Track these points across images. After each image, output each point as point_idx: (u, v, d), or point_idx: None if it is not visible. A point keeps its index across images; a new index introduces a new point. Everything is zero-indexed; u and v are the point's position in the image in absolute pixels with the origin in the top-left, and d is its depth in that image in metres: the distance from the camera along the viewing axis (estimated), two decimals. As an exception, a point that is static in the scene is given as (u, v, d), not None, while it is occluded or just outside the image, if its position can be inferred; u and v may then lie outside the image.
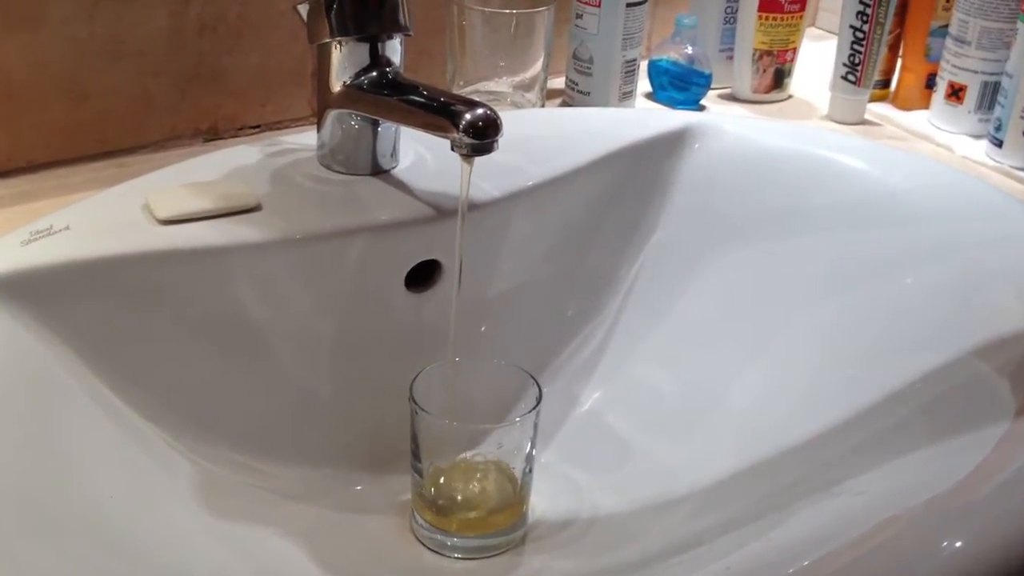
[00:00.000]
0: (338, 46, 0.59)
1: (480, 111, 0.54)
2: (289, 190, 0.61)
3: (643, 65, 0.84)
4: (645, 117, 0.76)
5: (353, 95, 0.60)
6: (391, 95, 0.59)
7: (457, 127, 0.54)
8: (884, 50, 0.82)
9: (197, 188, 0.58)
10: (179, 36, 0.68)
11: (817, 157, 0.71)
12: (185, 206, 0.57)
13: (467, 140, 0.54)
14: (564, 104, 0.83)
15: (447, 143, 0.55)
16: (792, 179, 0.70)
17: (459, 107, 0.54)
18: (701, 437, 0.64)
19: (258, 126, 0.73)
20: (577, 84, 0.81)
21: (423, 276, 0.63)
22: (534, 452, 0.58)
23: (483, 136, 0.54)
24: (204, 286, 0.56)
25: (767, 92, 0.86)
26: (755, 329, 0.67)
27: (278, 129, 0.74)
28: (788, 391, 0.63)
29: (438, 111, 0.55)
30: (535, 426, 0.57)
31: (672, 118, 0.74)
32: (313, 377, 0.61)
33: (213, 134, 0.72)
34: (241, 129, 0.73)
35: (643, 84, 0.84)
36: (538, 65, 0.78)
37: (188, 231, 0.56)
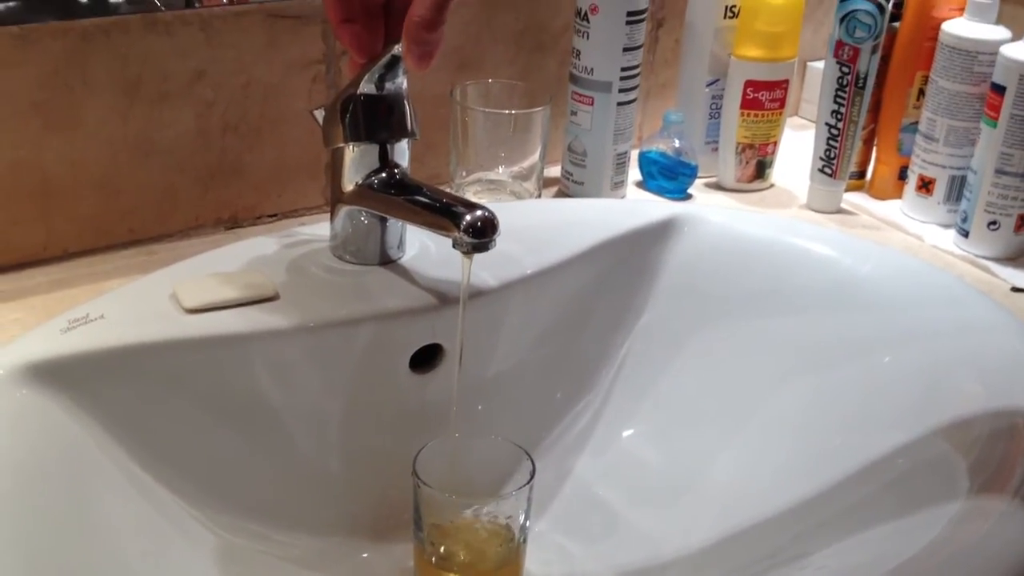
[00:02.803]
0: (351, 149, 0.63)
1: (479, 213, 0.57)
2: (304, 280, 0.64)
3: (634, 155, 0.88)
4: (635, 207, 0.80)
5: (364, 193, 0.64)
6: (398, 194, 0.63)
7: (458, 227, 0.57)
8: (859, 144, 0.86)
9: (220, 279, 0.62)
10: (204, 135, 0.73)
11: (794, 246, 0.75)
12: (210, 296, 0.61)
13: (467, 239, 0.57)
14: (560, 192, 0.86)
15: (450, 232, 0.58)
16: (771, 266, 0.74)
17: (460, 208, 0.58)
18: (685, 508, 0.67)
19: (275, 215, 0.77)
20: (572, 175, 0.85)
21: (426, 358, 0.65)
22: (528, 523, 0.60)
23: (482, 235, 0.57)
24: (226, 370, 0.60)
25: (750, 181, 0.89)
26: (736, 406, 0.70)
27: (293, 216, 0.78)
28: (766, 465, 0.66)
29: (441, 212, 0.59)
30: (529, 499, 0.59)
31: (660, 208, 0.77)
32: (323, 453, 0.64)
33: (233, 223, 0.76)
34: (259, 218, 0.77)
35: (634, 173, 0.88)
36: (535, 156, 0.82)
37: (213, 319, 0.59)
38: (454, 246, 0.58)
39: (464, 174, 0.82)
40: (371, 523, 0.65)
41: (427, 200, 0.61)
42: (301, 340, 0.62)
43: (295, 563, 0.62)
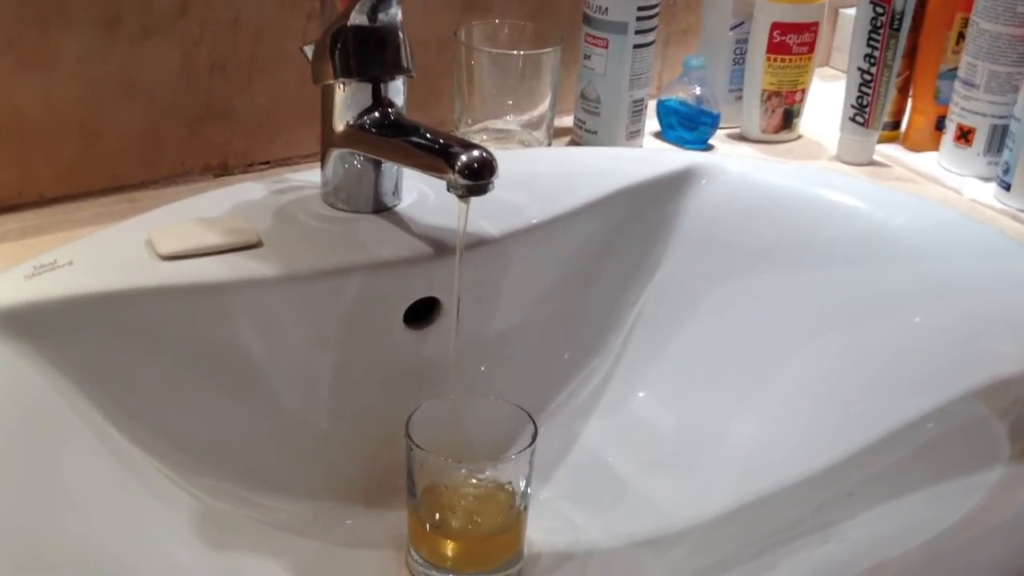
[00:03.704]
0: (341, 87, 0.60)
1: (476, 153, 0.54)
2: (291, 227, 0.62)
3: (652, 106, 0.84)
4: (650, 156, 0.77)
5: (355, 135, 0.61)
6: (392, 135, 0.60)
7: (453, 168, 0.54)
8: (893, 92, 0.82)
9: (199, 224, 0.59)
10: (189, 76, 0.69)
11: (821, 197, 0.71)
12: (186, 242, 0.57)
13: (462, 181, 0.54)
14: (572, 143, 0.83)
15: (450, 181, 0.55)
16: (796, 219, 0.70)
17: (455, 148, 0.55)
18: (699, 476, 0.64)
19: (267, 162, 0.74)
20: (585, 123, 0.82)
21: (423, 313, 0.63)
22: (530, 489, 0.58)
23: (478, 177, 0.54)
24: (204, 322, 0.57)
25: (776, 132, 0.86)
26: (755, 367, 0.67)
27: (288, 165, 0.74)
28: (786, 430, 0.63)
29: (435, 152, 0.56)
30: (530, 463, 0.57)
31: (677, 157, 0.74)
32: (312, 412, 0.61)
33: (223, 170, 0.73)
34: (251, 165, 0.74)
35: (653, 124, 0.84)
36: (545, 104, 0.78)
37: (189, 267, 0.57)
38: (448, 189, 0.55)
39: (470, 122, 0.78)
40: (362, 487, 0.62)
41: (421, 140, 0.58)
42: (286, 290, 0.59)
43: (280, 529, 0.59)
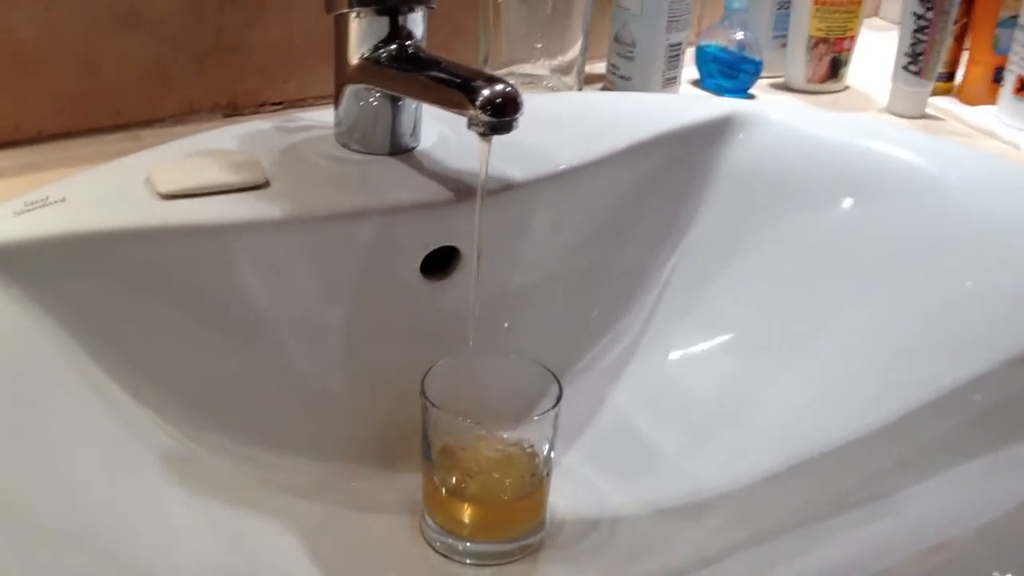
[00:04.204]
0: (356, 17, 0.56)
1: (499, 87, 0.51)
2: (301, 168, 0.58)
3: (691, 52, 0.81)
4: (687, 103, 0.73)
5: (370, 69, 0.57)
6: (409, 69, 0.56)
7: (474, 103, 0.50)
8: (949, 40, 0.78)
9: (202, 162, 0.56)
10: (198, 6, 0.66)
11: (870, 151, 0.66)
12: (188, 180, 0.54)
13: (484, 117, 0.50)
14: (604, 89, 0.80)
15: (474, 122, 0.52)
16: (842, 173, 0.66)
17: (478, 83, 0.51)
18: (734, 444, 0.61)
19: (281, 103, 0.71)
20: (618, 68, 0.78)
21: (441, 263, 0.60)
22: (553, 454, 0.55)
23: (501, 113, 0.50)
24: (206, 266, 0.54)
25: (822, 82, 0.82)
26: (796, 328, 0.63)
27: (302, 106, 0.71)
28: (828, 397, 0.59)
29: (455, 86, 0.52)
30: (554, 426, 0.54)
31: (716, 105, 0.70)
32: (320, 366, 0.58)
33: (233, 110, 0.69)
34: (262, 105, 0.70)
35: (690, 71, 0.82)
36: (576, 47, 0.75)
37: (189, 207, 0.53)
38: (469, 126, 0.52)
39: (495, 66, 0.75)
40: (375, 448, 0.60)
41: (441, 74, 0.54)
42: (294, 234, 0.55)
43: (287, 491, 0.56)
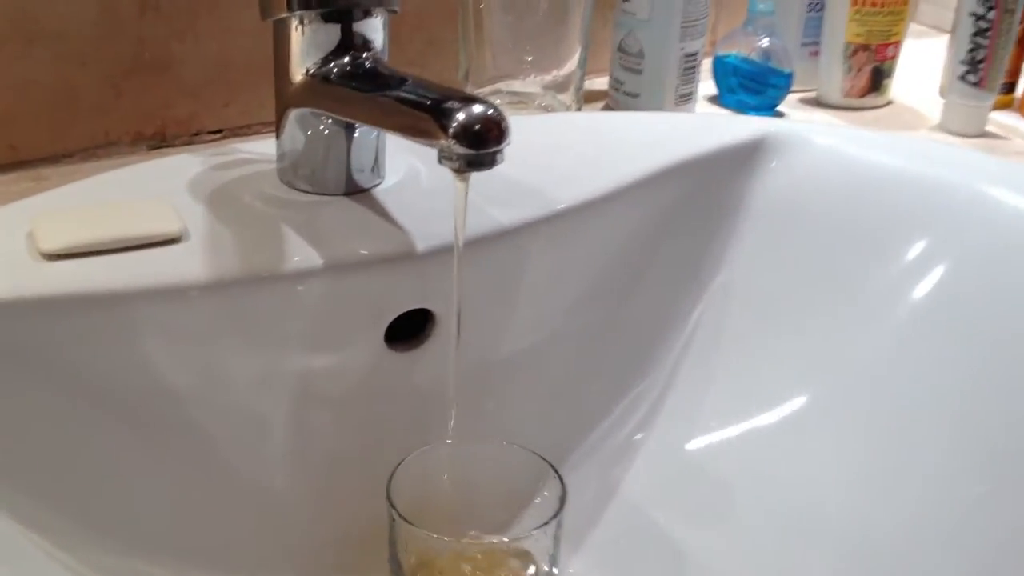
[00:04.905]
0: (299, 24, 0.48)
1: (478, 109, 0.42)
2: (231, 214, 0.49)
3: (706, 64, 0.75)
4: (709, 123, 0.66)
5: (318, 88, 0.48)
6: (366, 88, 0.47)
7: (445, 131, 0.41)
8: (1012, 45, 0.70)
9: (98, 211, 0.46)
10: (112, 15, 0.58)
11: (937, 180, 0.58)
12: (81, 235, 0.45)
13: (459, 149, 0.41)
14: (607, 109, 0.74)
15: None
16: (907, 210, 0.58)
17: (451, 103, 0.42)
18: (781, 549, 0.52)
19: (219, 131, 0.63)
20: (623, 84, 0.72)
21: (411, 330, 0.52)
22: (555, 570, 0.47)
23: (481, 144, 0.41)
24: (103, 345, 0.45)
25: (862, 96, 0.76)
26: (853, 408, 0.55)
27: (246, 136, 0.63)
28: (897, 499, 0.51)
29: (423, 108, 0.43)
30: (556, 538, 0.46)
31: (745, 125, 0.64)
32: (258, 466, 0.50)
33: (160, 140, 0.61)
34: (197, 135, 0.63)
35: (706, 86, 0.75)
36: (574, 60, 0.69)
37: (78, 269, 0.44)
38: (441, 160, 0.43)
39: (478, 83, 0.69)
40: (332, 565, 0.52)
41: (404, 94, 0.45)
42: (219, 301, 0.46)
43: None
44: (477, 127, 0.41)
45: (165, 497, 0.47)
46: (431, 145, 0.43)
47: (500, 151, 0.42)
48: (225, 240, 0.47)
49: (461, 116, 0.41)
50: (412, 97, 0.44)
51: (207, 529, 0.48)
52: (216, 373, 0.47)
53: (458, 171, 0.43)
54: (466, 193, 0.44)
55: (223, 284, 0.46)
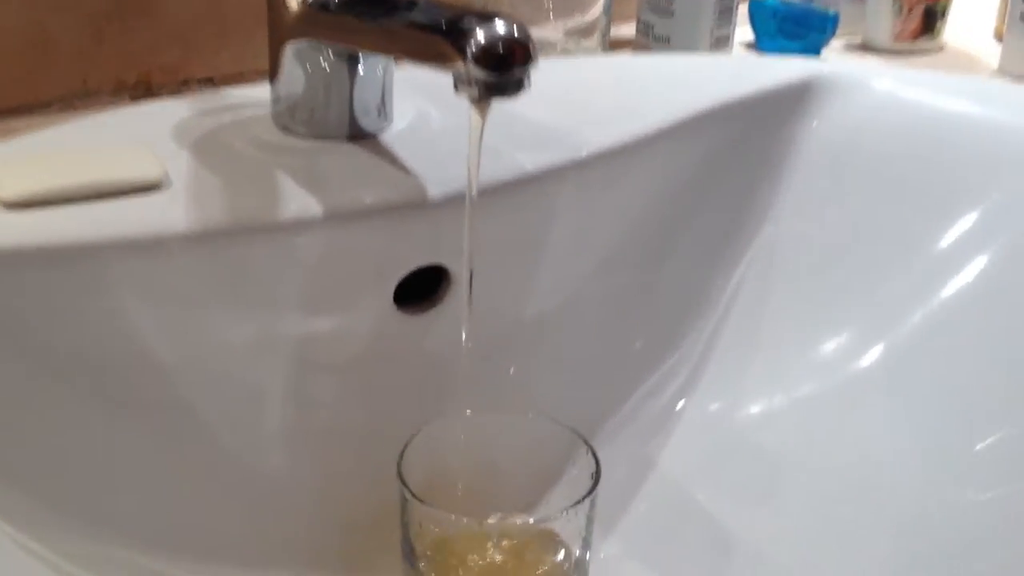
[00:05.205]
0: None
1: (500, 27, 0.38)
2: (219, 161, 0.46)
3: (743, 10, 0.75)
4: (751, 65, 0.64)
5: (315, 17, 0.45)
6: (371, 13, 0.44)
7: (463, 52, 0.38)
8: None
9: (67, 157, 0.43)
10: None
11: (1008, 126, 0.55)
12: (44, 182, 0.41)
13: (478, 72, 0.38)
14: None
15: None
16: (977, 161, 0.55)
17: (467, 22, 0.39)
18: (832, 526, 0.50)
19: (210, 79, 0.60)
20: (654, 27, 0.70)
21: (422, 289, 0.49)
22: (588, 555, 0.44)
23: (503, 66, 0.38)
24: (71, 305, 0.41)
25: (913, 39, 0.75)
26: (912, 378, 0.52)
27: (239, 83, 0.60)
28: (958, 474, 0.49)
29: (435, 30, 0.40)
30: (588, 519, 0.43)
31: (790, 67, 0.61)
32: (254, 443, 0.47)
33: (145, 89, 0.58)
34: (185, 83, 0.59)
35: (742, 31, 0.73)
36: (599, 4, 0.68)
37: (45, 219, 0.41)
38: (457, 88, 0.39)
39: None
40: (337, 551, 0.49)
41: (413, 15, 0.42)
42: (204, 255, 0.43)
43: None
44: (499, 47, 0.38)
45: (148, 480, 0.44)
46: (444, 69, 0.39)
47: (525, 76, 0.38)
48: (212, 187, 0.44)
49: (480, 35, 0.38)
50: (423, 19, 0.41)
51: (196, 515, 0.45)
52: (202, 338, 0.44)
53: (477, 99, 0.39)
54: (482, 129, 0.41)
55: (209, 235, 0.42)
